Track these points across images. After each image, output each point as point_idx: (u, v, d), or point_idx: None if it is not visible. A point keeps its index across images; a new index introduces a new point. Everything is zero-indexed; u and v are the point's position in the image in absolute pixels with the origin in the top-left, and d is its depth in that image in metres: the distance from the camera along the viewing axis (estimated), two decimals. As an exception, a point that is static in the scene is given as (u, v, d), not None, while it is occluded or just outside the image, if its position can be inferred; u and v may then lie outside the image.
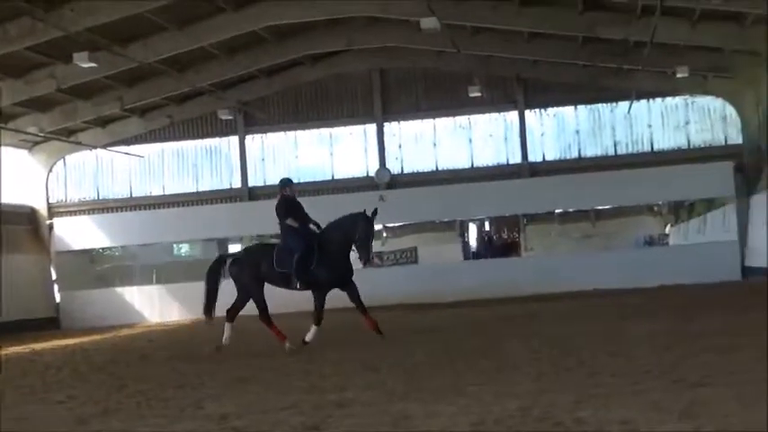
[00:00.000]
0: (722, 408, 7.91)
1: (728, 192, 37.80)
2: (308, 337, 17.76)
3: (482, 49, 37.65)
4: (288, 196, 18.71)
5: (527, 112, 41.20)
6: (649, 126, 40.60)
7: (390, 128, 42.24)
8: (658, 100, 40.28)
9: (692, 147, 40.07)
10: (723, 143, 39.93)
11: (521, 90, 40.95)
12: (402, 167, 41.90)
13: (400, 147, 42.23)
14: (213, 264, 18.99)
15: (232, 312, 18.43)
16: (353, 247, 18.00)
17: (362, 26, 37.15)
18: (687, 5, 29.81)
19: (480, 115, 41.42)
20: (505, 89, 41.10)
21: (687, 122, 40.22)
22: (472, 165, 41.55)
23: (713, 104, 39.93)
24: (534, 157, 41.23)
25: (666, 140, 40.48)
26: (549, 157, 41.28)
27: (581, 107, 40.98)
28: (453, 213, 40.86)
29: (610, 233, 50.54)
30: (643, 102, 40.06)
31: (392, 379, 11.68)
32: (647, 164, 39.24)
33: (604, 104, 40.67)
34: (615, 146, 40.78)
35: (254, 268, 18.30)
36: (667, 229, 55.01)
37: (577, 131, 41.13)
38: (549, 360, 12.57)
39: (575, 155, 41.07)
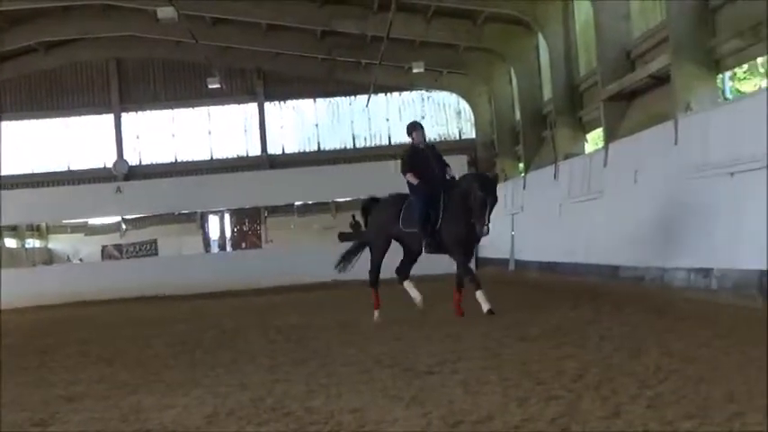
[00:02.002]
0: (448, 394, 8.12)
1: (461, 183, 38.80)
2: (485, 307, 15.11)
3: (221, 41, 37.48)
4: (415, 145, 16.35)
5: (267, 105, 41.32)
6: (387, 120, 41.35)
7: (128, 118, 41.48)
8: (396, 94, 41.10)
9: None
10: (458, 137, 41.08)
11: (260, 82, 41.04)
12: (140, 159, 41.23)
13: (138, 138, 41.54)
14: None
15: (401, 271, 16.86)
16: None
17: (97, 14, 36.32)
18: (422, 2, 30.48)
19: (220, 107, 41.23)
20: (245, 81, 41.07)
21: (423, 117, 41.17)
22: (212, 156, 41.32)
23: (448, 100, 41.04)
24: (274, 149, 41.36)
25: (404, 134, 41.24)
26: (288, 150, 41.49)
27: (320, 100, 41.39)
28: (193, 205, 40.45)
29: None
30: (381, 96, 40.76)
31: (126, 372, 11.48)
32: (385, 156, 39.89)
33: (343, 98, 41.19)
34: (354, 139, 41.35)
35: (383, 222, 16.56)
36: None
37: (317, 124, 41.48)
38: (284, 351, 12.62)
39: (314, 147, 41.42)
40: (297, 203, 44.30)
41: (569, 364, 9.30)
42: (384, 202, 17.11)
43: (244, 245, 46.65)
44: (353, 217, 47.71)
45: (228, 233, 48.31)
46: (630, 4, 23.95)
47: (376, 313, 16.35)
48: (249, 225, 48.14)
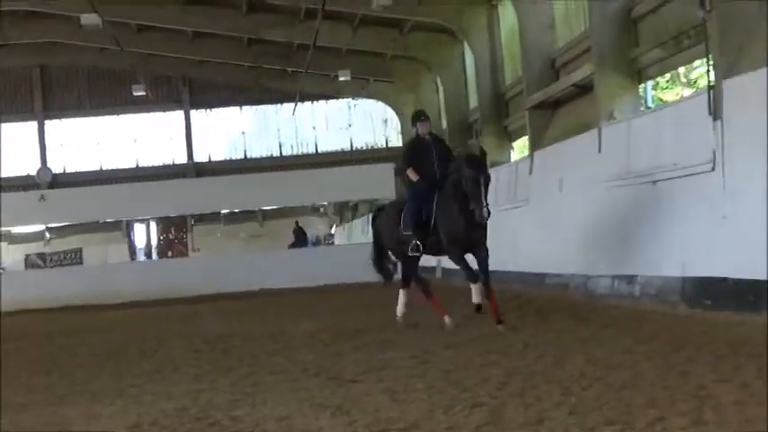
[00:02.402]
0: (374, 402, 8.15)
1: (390, 193, 38.90)
2: (476, 299, 14.00)
3: (146, 48, 37.22)
4: (420, 136, 14.81)
5: (193, 112, 41.09)
6: (314, 128, 41.35)
7: (52, 125, 41.04)
8: (322, 102, 41.10)
9: (354, 149, 41.09)
10: (384, 145, 41.18)
11: (186, 90, 40.80)
12: (65, 167, 40.81)
13: (62, 145, 41.12)
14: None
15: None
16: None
17: (20, 20, 35.89)
18: (349, 10, 30.53)
19: (145, 114, 40.95)
20: (171, 89, 40.84)
21: (350, 125, 41.21)
22: (137, 164, 41.01)
23: (375, 108, 41.10)
24: (200, 157, 41.15)
25: (330, 142, 41.33)
26: (215, 158, 41.30)
27: (246, 108, 41.25)
28: (118, 214, 40.03)
29: (277, 233, 51.08)
30: (307, 104, 40.75)
31: (54, 381, 11.37)
32: (312, 165, 39.89)
33: (269, 106, 41.10)
34: (280, 147, 41.29)
35: (392, 228, 15.30)
36: (333, 230, 56.15)
37: (243, 132, 41.36)
38: (209, 360, 12.57)
39: (240, 155, 41.29)
40: (223, 212, 44.10)
41: (494, 371, 9.37)
42: (388, 207, 16.34)
43: (170, 253, 46.35)
44: (297, 223, 47.79)
45: (154, 241, 47.98)
46: (555, 14, 24.19)
47: (446, 319, 14.51)
48: (175, 233, 47.86)
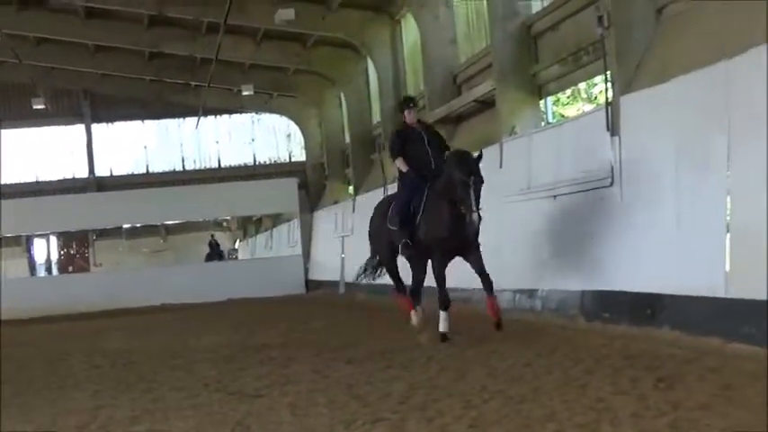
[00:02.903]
0: (276, 418, 8.13)
1: (293, 208, 38.87)
2: (442, 327, 13.13)
3: (46, 61, 36.70)
4: (407, 124, 13.88)
5: (94, 126, 40.59)
6: (217, 142, 41.11)
7: (-52, 139, 40.27)
8: (225, 116, 40.88)
9: (258, 163, 40.94)
10: (288, 160, 41.10)
11: (87, 103, 40.28)
12: (-38, 181, 40.03)
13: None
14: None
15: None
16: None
17: None
18: (251, 24, 30.45)
19: (45, 128, 40.37)
20: (72, 102, 40.29)
21: (253, 139, 41.07)
22: (37, 179, 40.41)
23: (278, 122, 40.99)
24: (102, 171, 40.67)
25: (234, 156, 41.14)
26: (116, 172, 40.85)
27: (149, 122, 40.87)
28: (18, 229, 39.39)
29: (180, 248, 50.65)
30: (210, 118, 40.51)
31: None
32: (215, 179, 39.67)
33: (172, 120, 40.77)
34: (183, 161, 40.96)
35: (382, 224, 14.35)
36: (236, 244, 55.89)
37: (145, 146, 40.97)
38: (110, 375, 12.43)
39: (143, 170, 40.89)
40: (125, 226, 43.62)
41: (396, 385, 9.41)
42: (378, 203, 15.18)
43: (71, 268, 45.72)
44: (212, 236, 47.48)
45: (55, 256, 47.29)
46: (457, 29, 24.37)
47: (414, 317, 14.05)
48: (77, 248, 47.22)
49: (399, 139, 13.70)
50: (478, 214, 12.34)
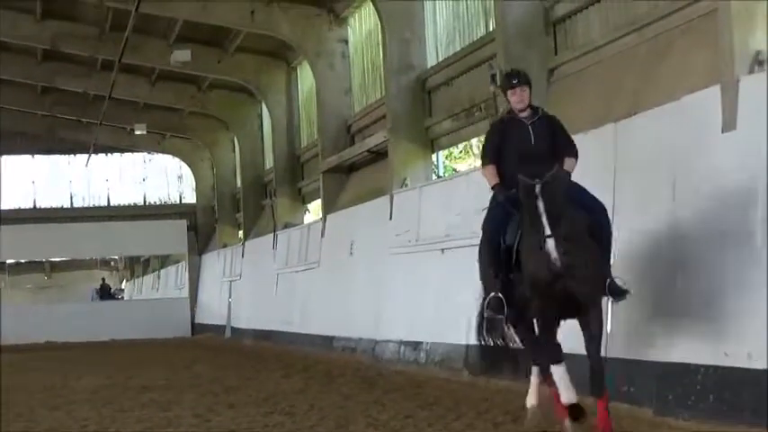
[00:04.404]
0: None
1: (182, 249, 38.62)
2: (567, 396, 8.24)
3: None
4: (510, 114, 9.05)
5: (-19, 159, 39.91)
6: (107, 180, 40.65)
7: None
8: (117, 155, 40.47)
9: (148, 203, 40.58)
10: (178, 201, 40.83)
11: (-24, 135, 39.59)
12: None
13: None
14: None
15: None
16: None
17: None
18: (147, 64, 30.31)
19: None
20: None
21: (144, 179, 40.72)
22: None
23: (170, 163, 40.72)
24: (-12, 205, 39.94)
25: (124, 195, 40.71)
26: (3, 206, 40.14)
27: (39, 157, 40.28)
28: None
29: (65, 285, 49.94)
30: (102, 155, 40.06)
31: None
32: (103, 217, 39.20)
33: (63, 155, 40.23)
34: (72, 198, 40.42)
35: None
36: (123, 284, 55.30)
37: (33, 181, 40.34)
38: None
39: (30, 204, 40.25)
40: (9, 261, 42.84)
41: (276, 432, 9.42)
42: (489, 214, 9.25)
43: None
44: (103, 279, 47.03)
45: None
46: (352, 80, 24.56)
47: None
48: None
49: (491, 137, 9.12)
50: (558, 249, 7.76)
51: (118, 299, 49.85)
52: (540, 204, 7.80)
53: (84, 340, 32.30)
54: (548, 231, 7.72)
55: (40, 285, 48.76)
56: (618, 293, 8.44)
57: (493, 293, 8.62)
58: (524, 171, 8.09)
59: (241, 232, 35.16)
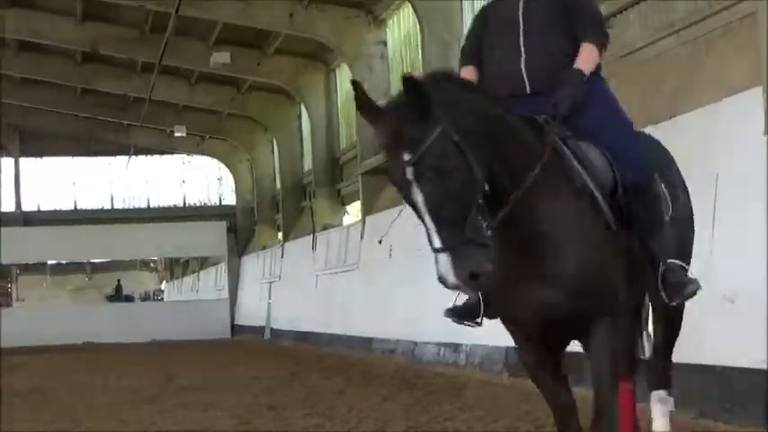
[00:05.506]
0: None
1: (222, 251, 38.73)
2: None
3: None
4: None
5: (22, 160, 40.20)
6: (147, 182, 40.88)
7: None
8: (156, 157, 40.69)
9: (187, 205, 40.75)
10: (218, 203, 40.98)
11: (15, 137, 39.88)
12: None
13: None
14: None
15: None
16: None
17: None
18: (187, 66, 30.43)
19: (-27, 161, 39.94)
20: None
21: (184, 181, 40.91)
22: (-37, 211, 39.90)
23: (209, 165, 40.88)
24: (29, 206, 40.25)
25: (163, 197, 40.91)
26: (44, 207, 40.45)
27: (79, 158, 40.55)
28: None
29: (105, 286, 50.23)
30: (141, 157, 40.29)
31: None
32: (143, 219, 39.40)
33: (103, 157, 40.48)
34: (112, 199, 40.67)
35: None
36: (163, 285, 55.53)
37: (74, 183, 40.63)
38: (21, 415, 12.24)
39: (71, 206, 40.53)
40: (51, 262, 43.16)
41: (316, 434, 9.40)
42: None
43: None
44: (119, 280, 47.18)
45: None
46: (391, 81, 24.52)
47: None
48: (-1, 283, 46.61)
49: (475, 26, 6.01)
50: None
51: (157, 299, 50.09)
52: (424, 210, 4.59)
53: (125, 341, 32.44)
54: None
55: (81, 286, 49.04)
56: None
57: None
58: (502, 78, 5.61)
59: (280, 234, 35.21)
